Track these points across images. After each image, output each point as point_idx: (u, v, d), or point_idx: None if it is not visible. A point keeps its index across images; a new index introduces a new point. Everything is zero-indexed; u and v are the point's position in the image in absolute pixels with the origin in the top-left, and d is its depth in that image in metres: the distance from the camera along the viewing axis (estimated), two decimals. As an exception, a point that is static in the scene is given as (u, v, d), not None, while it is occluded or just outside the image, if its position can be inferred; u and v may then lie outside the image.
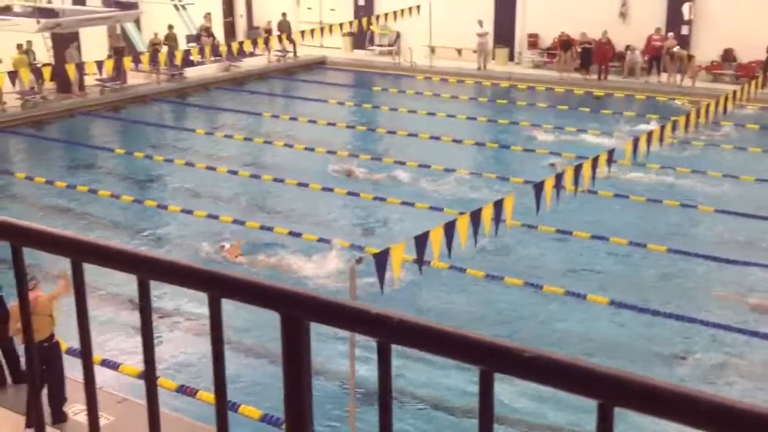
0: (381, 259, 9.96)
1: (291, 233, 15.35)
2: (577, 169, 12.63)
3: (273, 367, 10.97)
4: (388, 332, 1.45)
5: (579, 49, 28.55)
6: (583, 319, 12.44)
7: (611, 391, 1.30)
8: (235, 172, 19.16)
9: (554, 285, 13.16)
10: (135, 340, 11.79)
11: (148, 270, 1.73)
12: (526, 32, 30.52)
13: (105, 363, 10.49)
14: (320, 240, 15.00)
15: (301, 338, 1.56)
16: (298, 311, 1.54)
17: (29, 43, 24.82)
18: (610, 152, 13.83)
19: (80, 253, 1.79)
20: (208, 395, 9.92)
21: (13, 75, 22.83)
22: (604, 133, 21.72)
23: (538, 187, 12.02)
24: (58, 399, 9.14)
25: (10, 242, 1.83)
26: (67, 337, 10.80)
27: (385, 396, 1.51)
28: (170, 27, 28.55)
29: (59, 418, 9.09)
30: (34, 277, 9.62)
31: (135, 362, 10.79)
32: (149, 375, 1.83)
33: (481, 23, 29.48)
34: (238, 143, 21.77)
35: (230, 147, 21.50)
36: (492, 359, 1.40)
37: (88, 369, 1.89)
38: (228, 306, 1.65)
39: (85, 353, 1.87)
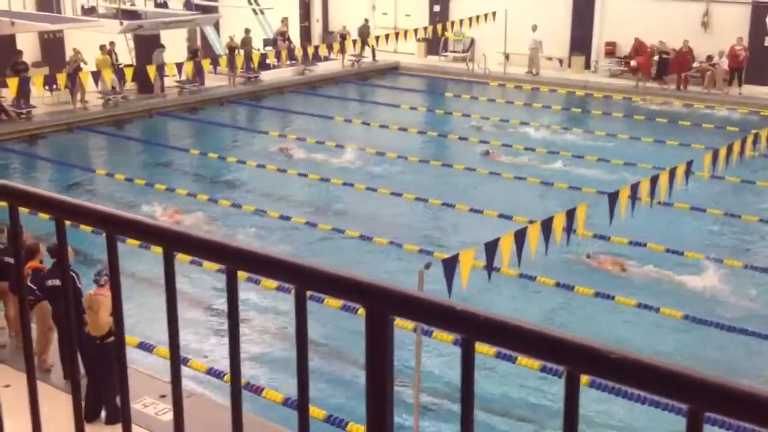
0: (449, 265, 9.93)
1: (362, 236, 15.44)
2: (654, 180, 12.38)
3: (340, 364, 11.05)
4: (474, 329, 1.45)
5: (657, 58, 28.03)
6: (655, 334, 12.17)
7: (702, 395, 1.28)
8: (305, 175, 19.36)
9: (626, 296, 12.91)
10: (202, 333, 12.03)
11: (235, 260, 1.76)
12: (603, 40, 30.10)
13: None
14: (391, 243, 15.05)
15: (386, 333, 1.57)
16: (383, 305, 1.55)
17: (112, 44, 25.55)
18: (689, 164, 13.51)
19: (171, 242, 1.84)
20: (273, 393, 10.04)
21: (96, 75, 23.53)
22: (681, 145, 21.25)
23: (612, 197, 11.83)
24: (109, 395, 8.99)
25: (105, 231, 1.89)
26: (141, 330, 11.10)
27: (467, 394, 1.51)
28: (247, 31, 29.05)
29: (110, 413, 8.99)
30: (106, 273, 9.67)
31: (202, 357, 10.98)
32: (234, 370, 1.86)
33: (534, 28, 29.27)
34: (310, 146, 21.99)
35: (302, 150, 21.74)
36: (577, 360, 1.38)
37: (176, 364, 1.93)
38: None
39: (173, 345, 1.91)
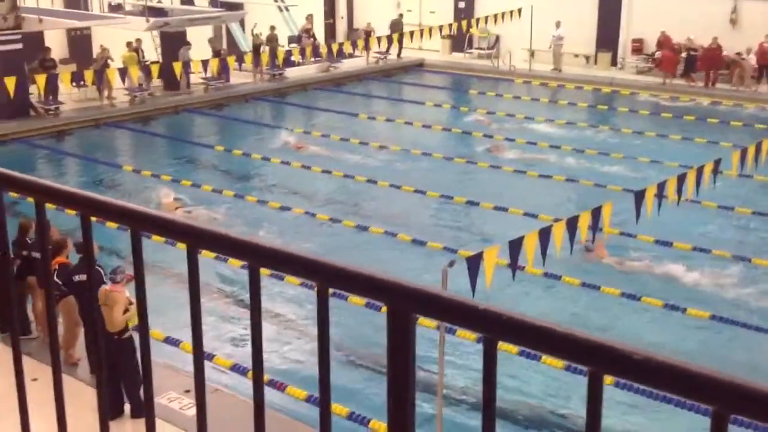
0: (473, 263, 9.90)
1: (386, 233, 15.44)
2: (681, 179, 12.27)
3: (357, 366, 11.07)
4: (497, 328, 1.44)
5: (684, 55, 27.77)
6: (680, 334, 12.07)
7: (727, 397, 1.27)
8: (329, 172, 19.39)
9: (652, 296, 12.81)
10: (226, 329, 12.09)
11: (258, 257, 1.77)
12: (630, 37, 29.86)
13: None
14: (415, 241, 15.05)
15: (408, 331, 1.57)
16: (405, 303, 1.55)
17: (138, 41, 25.75)
18: (716, 162, 13.37)
19: (195, 239, 1.85)
20: (296, 390, 10.07)
21: (123, 71, 23.72)
22: (709, 143, 21.05)
23: (639, 196, 11.74)
24: (132, 390, 9.08)
25: (129, 227, 1.90)
26: (164, 324, 11.17)
27: (489, 392, 1.51)
28: (272, 28, 29.14)
29: (135, 407, 9.04)
30: (123, 270, 9.68)
31: (226, 352, 11.04)
32: (257, 366, 1.86)
33: (558, 24, 29.11)
34: (334, 143, 22.03)
35: (326, 146, 21.78)
36: (600, 360, 1.38)
37: (199, 359, 1.94)
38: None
39: (196, 340, 1.92)
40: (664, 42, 28.12)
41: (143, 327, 1.98)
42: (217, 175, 20.05)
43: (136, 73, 24.26)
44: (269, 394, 10.12)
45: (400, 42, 30.55)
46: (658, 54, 28.15)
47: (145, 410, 2.01)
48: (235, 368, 10.66)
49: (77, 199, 1.94)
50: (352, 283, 1.63)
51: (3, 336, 10.43)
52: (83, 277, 10.02)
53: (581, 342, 1.37)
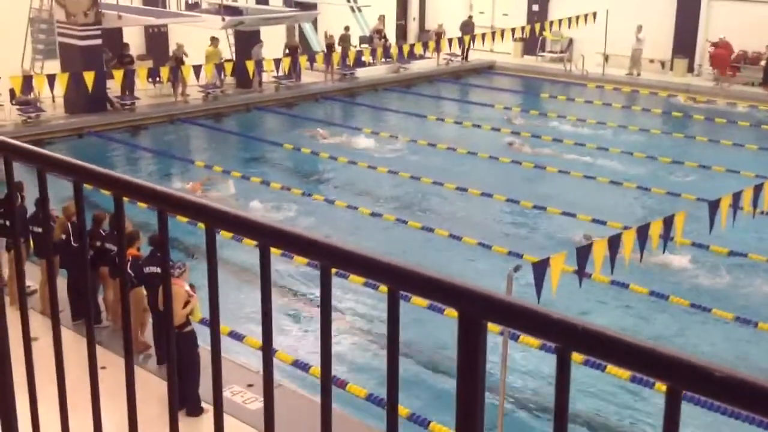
0: (539, 269, 9.80)
1: (451, 236, 15.38)
2: (758, 189, 11.91)
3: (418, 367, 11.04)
4: (571, 339, 1.41)
5: (764, 63, 26.99)
6: (752, 349, 11.71)
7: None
8: (396, 173, 19.40)
9: (724, 309, 12.46)
10: (286, 324, 12.20)
11: (331, 258, 1.77)
12: (708, 43, 29.14)
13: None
14: (480, 244, 14.96)
15: (479, 338, 1.55)
16: (477, 310, 1.53)
17: (216, 39, 26.24)
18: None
19: (267, 237, 1.86)
20: (357, 388, 10.10)
21: (197, 69, 24.13)
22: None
23: (713, 206, 11.43)
24: (189, 386, 9.01)
25: (204, 223, 1.93)
26: (227, 319, 11.33)
27: (561, 403, 1.48)
28: (346, 28, 29.35)
29: (192, 406, 9.03)
30: (184, 264, 9.78)
31: (288, 349, 11.14)
32: (325, 364, 1.87)
33: (639, 29, 28.57)
34: (402, 144, 22.05)
35: (394, 147, 21.82)
36: (679, 376, 1.33)
37: (267, 355, 1.95)
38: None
39: (266, 336, 1.93)
40: (721, 46, 27.67)
41: (214, 321, 2.01)
42: (286, 172, 20.27)
43: (211, 70, 24.68)
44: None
45: (469, 44, 30.41)
46: (711, 49, 27.66)
47: (213, 403, 2.04)
48: (297, 364, 10.74)
49: (156, 196, 1.97)
50: (425, 287, 1.61)
51: (75, 324, 10.74)
52: (153, 269, 10.25)
53: (660, 357, 1.33)
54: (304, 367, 10.66)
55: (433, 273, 1.61)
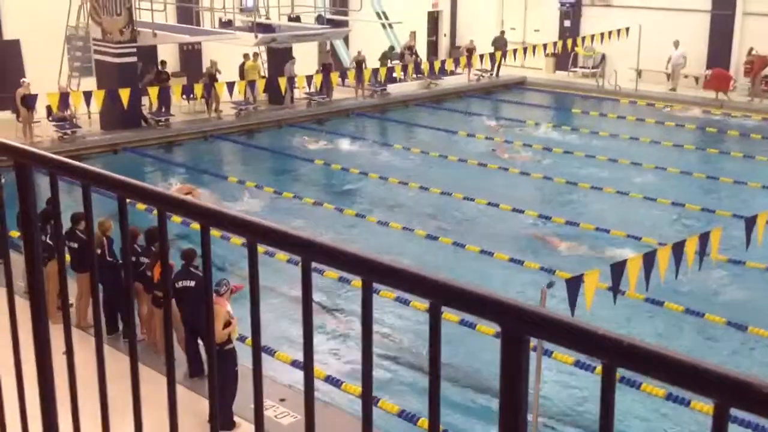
0: (573, 285, 9.73)
1: (482, 251, 15.33)
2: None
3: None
4: (616, 355, 1.41)
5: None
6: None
7: None
8: (426, 189, 19.40)
9: (762, 327, 12.27)
10: (325, 340, 12.21)
11: (372, 272, 1.77)
12: (743, 58, 28.85)
13: (295, 364, 10.87)
14: (512, 260, 14.90)
15: (522, 355, 1.54)
16: (521, 326, 1.53)
17: (246, 55, 26.52)
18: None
19: (309, 252, 1.87)
20: (389, 404, 10.07)
21: (230, 85, 24.35)
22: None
23: (749, 222, 11.29)
24: (224, 401, 8.96)
25: (247, 239, 1.94)
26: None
27: (607, 422, 1.47)
28: (391, 48, 29.89)
29: (225, 420, 9.00)
30: (227, 283, 9.85)
31: (323, 364, 11.15)
32: (366, 381, 1.87)
33: (676, 44, 28.41)
34: (432, 159, 22.06)
35: (424, 163, 21.83)
36: (727, 393, 1.32)
37: (309, 369, 1.96)
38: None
39: (307, 350, 1.94)
40: (756, 62, 27.45)
41: (256, 339, 2.02)
42: (316, 187, 20.36)
43: (243, 87, 24.88)
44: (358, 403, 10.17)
45: (500, 60, 30.45)
46: (708, 72, 27.74)
47: (254, 418, 2.05)
48: (329, 380, 10.74)
49: (199, 211, 1.99)
50: (465, 302, 1.61)
51: (109, 338, 10.84)
52: (186, 283, 10.33)
53: (707, 374, 1.32)
54: (337, 382, 10.66)
55: (475, 288, 1.61)
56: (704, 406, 9.30)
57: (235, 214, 1.96)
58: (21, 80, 21.94)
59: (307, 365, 1.94)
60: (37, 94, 21.23)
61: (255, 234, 1.92)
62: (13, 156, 2.46)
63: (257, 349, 2.04)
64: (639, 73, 29.33)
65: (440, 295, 1.66)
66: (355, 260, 1.79)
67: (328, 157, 22.31)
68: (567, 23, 32.95)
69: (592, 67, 31.79)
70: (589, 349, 1.46)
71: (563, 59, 32.02)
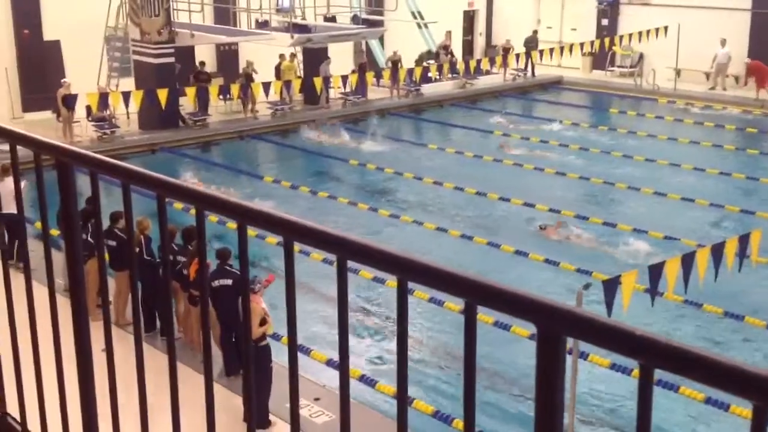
0: (610, 286, 9.64)
1: (517, 252, 15.26)
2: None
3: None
4: (654, 356, 1.40)
5: None
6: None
7: None
8: (461, 189, 19.33)
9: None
10: (359, 339, 12.24)
11: (407, 271, 1.78)
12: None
13: (330, 363, 10.90)
14: (547, 261, 14.80)
15: (558, 354, 1.54)
16: (557, 325, 1.52)
17: (282, 56, 26.66)
18: None
19: (345, 251, 1.88)
20: (423, 404, 10.06)
21: (266, 86, 24.49)
22: None
23: (791, 223, 11.09)
24: (258, 398, 8.98)
25: (284, 237, 1.96)
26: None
27: (644, 420, 1.46)
28: (428, 52, 29.82)
29: (261, 419, 8.98)
30: (260, 281, 9.87)
31: (357, 363, 11.16)
32: (401, 382, 1.87)
33: (723, 43, 27.99)
34: (467, 159, 21.98)
35: (459, 163, 21.76)
36: (766, 395, 1.30)
37: (344, 373, 1.97)
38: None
39: (342, 349, 1.95)
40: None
41: (292, 338, 2.03)
42: (350, 187, 20.40)
43: (279, 87, 25.02)
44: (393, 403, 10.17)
45: (534, 59, 30.28)
46: (747, 60, 27.22)
47: (290, 417, 2.06)
48: (363, 379, 10.76)
49: (237, 210, 2.01)
50: (501, 301, 1.61)
51: (147, 335, 10.97)
52: (222, 281, 10.41)
53: (746, 375, 1.31)
54: (371, 382, 10.67)
55: (510, 287, 1.61)
56: (743, 410, 9.16)
57: (271, 213, 1.97)
58: (61, 80, 22.30)
59: (342, 365, 1.95)
60: (77, 94, 21.54)
61: (291, 232, 1.94)
62: (55, 155, 2.50)
63: (293, 348, 2.05)
64: (678, 72, 28.96)
65: (475, 294, 1.66)
66: (390, 259, 1.80)
67: (363, 157, 22.33)
68: (604, 22, 32.63)
69: (630, 67, 31.44)
70: (626, 350, 1.45)
71: (600, 58, 31.72)
